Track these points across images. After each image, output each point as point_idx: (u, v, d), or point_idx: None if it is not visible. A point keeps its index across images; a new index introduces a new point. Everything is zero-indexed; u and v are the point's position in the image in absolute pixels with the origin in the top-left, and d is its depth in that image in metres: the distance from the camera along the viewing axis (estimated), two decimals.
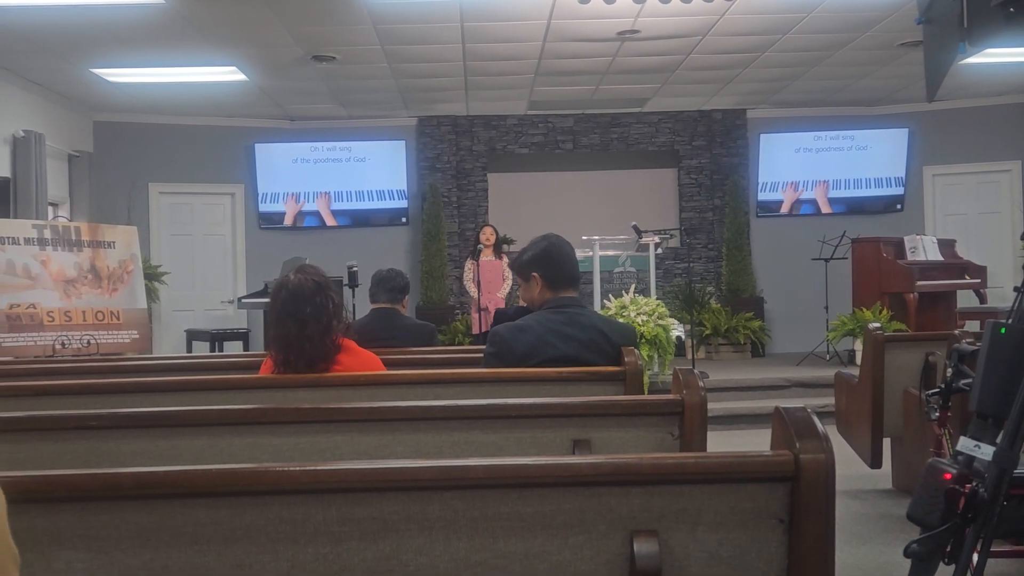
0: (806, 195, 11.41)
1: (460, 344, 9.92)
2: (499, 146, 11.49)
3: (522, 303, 4.33)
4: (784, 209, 11.41)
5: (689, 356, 9.29)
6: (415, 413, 2.28)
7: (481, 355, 3.19)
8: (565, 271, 3.14)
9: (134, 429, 2.24)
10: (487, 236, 9.36)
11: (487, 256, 9.24)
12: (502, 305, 9.23)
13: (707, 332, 10.43)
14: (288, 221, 11.09)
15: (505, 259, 9.52)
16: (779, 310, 11.23)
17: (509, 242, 11.10)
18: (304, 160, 11.10)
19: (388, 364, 3.34)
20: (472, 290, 9.48)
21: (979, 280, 9.48)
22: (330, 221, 11.21)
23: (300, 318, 2.96)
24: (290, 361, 2.99)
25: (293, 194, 11.08)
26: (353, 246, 10.78)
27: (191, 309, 10.84)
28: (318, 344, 2.97)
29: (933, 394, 3.27)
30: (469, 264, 9.54)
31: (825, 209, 11.39)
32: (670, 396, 2.26)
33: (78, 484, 1.35)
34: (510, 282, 9.46)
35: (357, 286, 8.18)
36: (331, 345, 3.01)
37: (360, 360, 3.15)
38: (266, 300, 9.18)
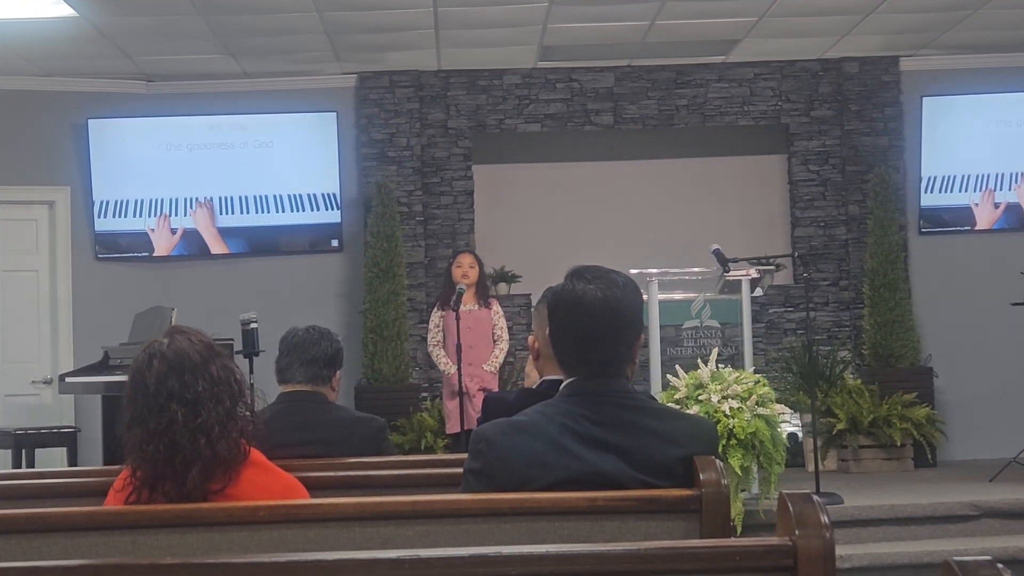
0: (1002, 196, 11.43)
1: (429, 450, 9.87)
2: (492, 120, 11.55)
3: (529, 383, 4.33)
4: (977, 222, 11.40)
5: (811, 468, 9.24)
6: (352, 570, 2.26)
7: (461, 470, 3.18)
8: (597, 346, 3.08)
9: None
10: (465, 270, 9.36)
11: (467, 304, 9.23)
12: (492, 384, 9.20)
13: (840, 427, 10.38)
14: (161, 248, 11.12)
15: (496, 307, 9.51)
16: (959, 389, 11.19)
17: (510, 280, 11.09)
18: (172, 147, 11.17)
19: (309, 485, 3.34)
20: (441, 361, 9.45)
21: None
22: (215, 246, 11.24)
23: (190, 400, 3.05)
24: (167, 476, 3.05)
25: (157, 201, 11.12)
26: (251, 288, 10.78)
27: None
28: (219, 441, 3.06)
29: None
30: (436, 317, 9.53)
31: None
32: (774, 540, 2.26)
33: None
34: (505, 345, 9.44)
35: (257, 355, 8.16)
36: (235, 446, 3.11)
37: (274, 484, 3.19)
38: (107, 378, 9.16)
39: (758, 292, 9.22)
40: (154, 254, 11.18)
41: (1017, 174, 11.42)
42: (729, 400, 7.74)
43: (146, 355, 3.13)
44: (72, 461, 9.80)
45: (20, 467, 9.49)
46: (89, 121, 11.00)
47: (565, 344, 3.13)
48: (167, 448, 3.04)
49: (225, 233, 11.26)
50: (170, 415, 3.04)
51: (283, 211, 11.27)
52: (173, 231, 11.19)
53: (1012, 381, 10.77)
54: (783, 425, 7.85)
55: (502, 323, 9.48)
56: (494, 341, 9.39)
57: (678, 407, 7.37)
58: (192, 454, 3.04)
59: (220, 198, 11.24)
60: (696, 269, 9.20)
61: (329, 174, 11.24)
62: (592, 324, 3.07)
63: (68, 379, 9.77)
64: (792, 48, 11.14)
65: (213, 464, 3.06)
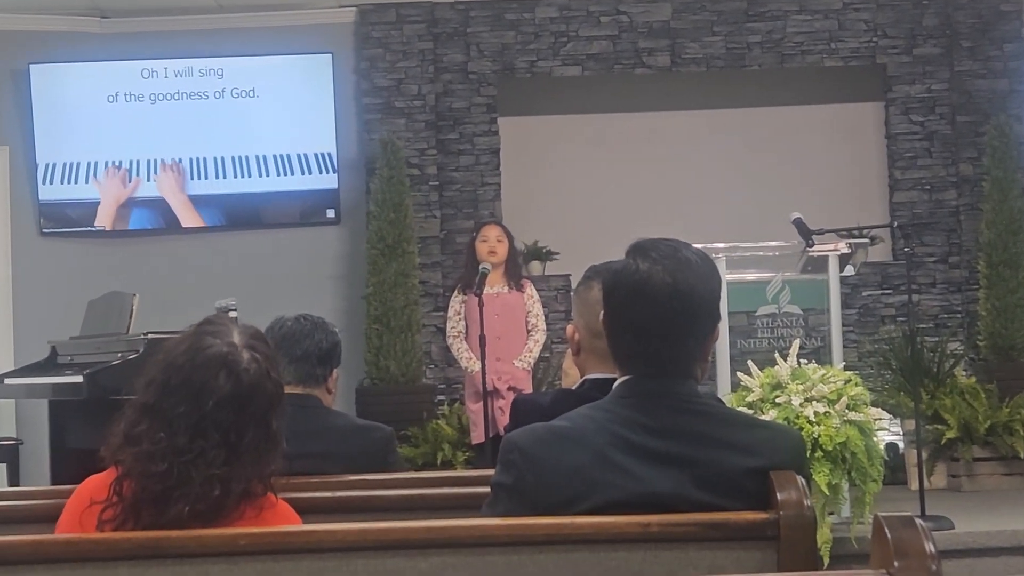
0: None
1: (447, 465, 9.92)
2: (522, 63, 11.56)
3: (567, 382, 4.33)
4: None
5: (914, 486, 9.24)
6: None
7: (486, 489, 3.20)
8: (662, 340, 3.04)
9: None
10: (492, 245, 9.36)
11: (494, 286, 9.26)
12: (525, 383, 9.19)
13: (950, 435, 10.37)
14: (105, 220, 11.17)
15: (530, 290, 9.50)
16: None
17: (544, 257, 11.10)
18: (131, 97, 11.24)
19: (300, 508, 3.36)
20: (463, 356, 9.45)
21: None
22: (186, 218, 11.29)
23: (234, 443, 3.06)
24: (151, 500, 3.03)
25: (114, 164, 11.16)
26: (229, 268, 10.83)
27: None
28: (230, 496, 3.07)
29: None
30: (456, 303, 9.53)
31: None
32: (868, 573, 2.27)
33: None
34: (541, 336, 9.43)
35: None
36: (244, 500, 3.12)
37: (276, 520, 3.20)
38: (55, 379, 9.20)
39: (849, 271, 9.21)
40: (97, 218, 11.20)
41: None
42: (814, 403, 7.72)
43: (217, 355, 3.09)
44: (13, 480, 9.88)
45: None
46: (31, 66, 11.04)
47: (622, 336, 3.10)
48: (175, 474, 3.02)
49: (198, 202, 11.31)
50: (202, 446, 3.03)
51: (267, 175, 11.33)
52: (124, 183, 11.22)
53: None
54: (880, 434, 7.83)
55: (537, 309, 9.45)
56: (528, 331, 9.39)
57: (752, 412, 7.36)
58: (196, 495, 3.03)
59: (191, 159, 11.30)
60: (773, 243, 9.17)
61: (323, 130, 11.29)
62: (657, 313, 3.04)
63: (8, 380, 9.81)
64: None
65: (212, 510, 3.05)
